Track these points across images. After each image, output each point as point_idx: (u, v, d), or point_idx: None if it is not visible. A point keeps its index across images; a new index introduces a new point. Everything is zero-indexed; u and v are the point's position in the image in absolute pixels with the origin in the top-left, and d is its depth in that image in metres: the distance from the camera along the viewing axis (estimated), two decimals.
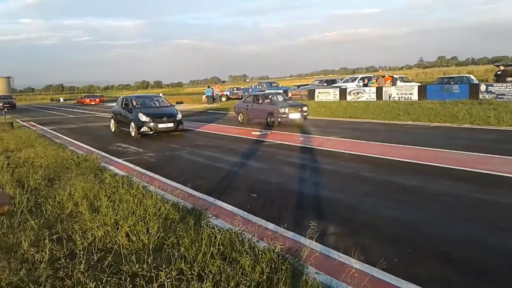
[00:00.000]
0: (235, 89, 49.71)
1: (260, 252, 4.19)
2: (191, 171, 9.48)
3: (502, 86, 20.25)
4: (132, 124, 15.80)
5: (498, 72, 22.32)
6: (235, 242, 4.49)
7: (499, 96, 19.83)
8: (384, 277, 3.98)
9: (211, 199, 6.81)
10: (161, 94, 51.74)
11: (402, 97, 24.71)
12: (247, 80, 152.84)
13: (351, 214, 6.01)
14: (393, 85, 26.91)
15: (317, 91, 31.00)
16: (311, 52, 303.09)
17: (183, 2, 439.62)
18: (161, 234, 4.91)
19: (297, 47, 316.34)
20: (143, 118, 15.48)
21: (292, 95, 33.15)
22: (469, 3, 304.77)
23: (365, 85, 29.70)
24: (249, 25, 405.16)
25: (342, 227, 5.47)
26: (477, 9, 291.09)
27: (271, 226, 5.43)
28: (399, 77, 31.18)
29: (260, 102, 18.75)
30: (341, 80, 36.09)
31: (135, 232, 4.96)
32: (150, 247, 4.65)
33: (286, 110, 17.21)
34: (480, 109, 16.89)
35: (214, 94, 41.46)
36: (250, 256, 4.10)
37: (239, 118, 19.76)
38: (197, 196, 7.02)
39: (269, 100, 18.65)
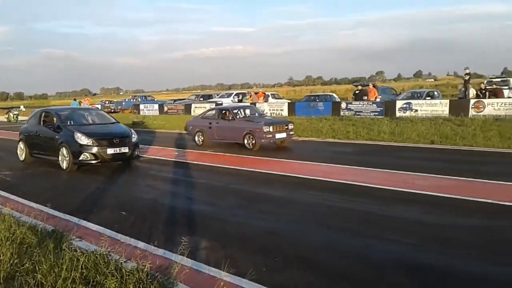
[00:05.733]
0: (107, 102, 47.82)
1: (127, 273, 4.01)
2: (54, 191, 8.75)
3: (359, 104, 22.49)
4: (64, 150, 10.82)
5: (356, 92, 24.72)
6: (100, 264, 4.23)
7: (357, 113, 21.97)
8: (252, 287, 4.08)
9: (75, 219, 6.35)
10: (22, 107, 47.37)
11: (273, 113, 25.97)
12: (121, 93, 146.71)
13: (222, 227, 6.08)
14: (265, 102, 28.23)
15: (193, 105, 31.10)
16: (188, 67, 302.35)
17: (53, 8, 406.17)
18: (15, 261, 4.42)
19: (174, 61, 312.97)
20: (82, 140, 10.62)
21: (169, 109, 32.86)
22: (333, 28, 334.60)
23: (240, 101, 30.66)
24: (124, 36, 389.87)
25: (213, 240, 5.49)
26: (340, 34, 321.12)
27: (141, 244, 5.23)
28: (271, 94, 32.86)
29: (231, 118, 14.77)
30: (217, 95, 36.80)
31: None
32: (1, 276, 4.16)
33: (271, 129, 13.68)
34: (341, 125, 18.52)
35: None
36: (116, 278, 3.91)
37: (197, 139, 15.62)
38: (59, 217, 6.48)
39: (243, 116, 15.06)
